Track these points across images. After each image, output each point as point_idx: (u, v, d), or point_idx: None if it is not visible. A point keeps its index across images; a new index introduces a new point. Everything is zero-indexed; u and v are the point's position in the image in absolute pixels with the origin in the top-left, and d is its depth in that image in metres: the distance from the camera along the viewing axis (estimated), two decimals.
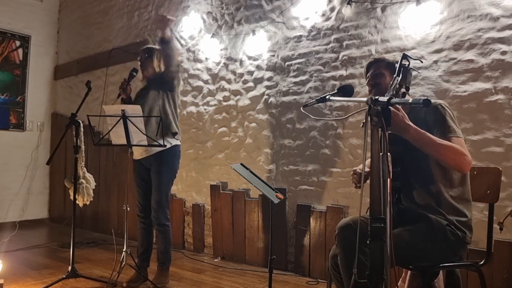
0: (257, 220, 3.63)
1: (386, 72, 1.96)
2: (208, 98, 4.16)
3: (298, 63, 3.52)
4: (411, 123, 1.60)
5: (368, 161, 1.79)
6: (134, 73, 3.00)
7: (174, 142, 2.97)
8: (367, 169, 1.79)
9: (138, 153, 2.99)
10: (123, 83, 2.98)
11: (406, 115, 1.60)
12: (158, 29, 2.86)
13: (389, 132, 1.47)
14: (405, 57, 1.63)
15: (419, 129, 1.62)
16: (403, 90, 1.55)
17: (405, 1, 2.95)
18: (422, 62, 1.78)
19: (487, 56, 2.62)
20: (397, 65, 1.59)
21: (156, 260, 3.03)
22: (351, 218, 1.81)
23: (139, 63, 3.04)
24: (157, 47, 3.03)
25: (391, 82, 1.56)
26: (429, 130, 1.74)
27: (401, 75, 1.54)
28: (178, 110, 3.08)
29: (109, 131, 2.80)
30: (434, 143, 1.63)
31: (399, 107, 1.58)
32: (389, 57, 2.97)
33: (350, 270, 1.46)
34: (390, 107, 1.48)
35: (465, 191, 1.81)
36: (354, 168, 1.99)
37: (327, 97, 1.75)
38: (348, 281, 1.65)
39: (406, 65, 1.60)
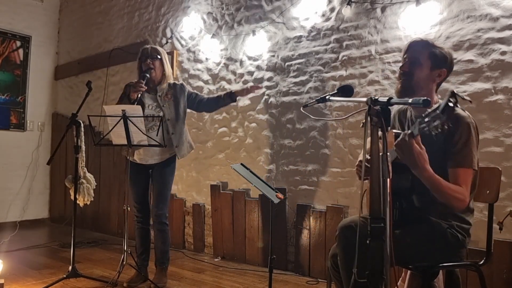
0: (257, 220, 3.63)
1: (426, 64, 1.78)
2: None
3: (298, 64, 3.52)
4: (429, 167, 1.58)
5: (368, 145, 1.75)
6: (148, 75, 2.89)
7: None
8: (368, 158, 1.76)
9: (147, 158, 2.96)
10: (140, 86, 2.84)
11: (427, 157, 1.57)
12: (239, 94, 3.01)
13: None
14: (453, 95, 1.39)
15: (433, 173, 1.60)
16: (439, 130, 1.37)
17: (405, 2, 2.95)
18: (471, 102, 1.59)
19: (487, 56, 2.62)
20: (442, 103, 1.36)
21: (154, 260, 3.04)
22: (352, 218, 1.81)
23: (148, 62, 2.92)
24: (162, 49, 3.08)
25: (431, 117, 1.35)
26: (445, 137, 1.70)
27: (446, 114, 1.31)
28: None
29: (110, 131, 2.81)
30: (442, 190, 1.63)
31: (423, 146, 1.56)
32: (388, 58, 3.02)
33: (350, 270, 1.46)
34: (416, 145, 1.49)
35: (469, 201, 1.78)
36: (360, 159, 1.93)
37: (327, 97, 1.74)
38: (348, 281, 1.65)
39: (453, 103, 1.35)
